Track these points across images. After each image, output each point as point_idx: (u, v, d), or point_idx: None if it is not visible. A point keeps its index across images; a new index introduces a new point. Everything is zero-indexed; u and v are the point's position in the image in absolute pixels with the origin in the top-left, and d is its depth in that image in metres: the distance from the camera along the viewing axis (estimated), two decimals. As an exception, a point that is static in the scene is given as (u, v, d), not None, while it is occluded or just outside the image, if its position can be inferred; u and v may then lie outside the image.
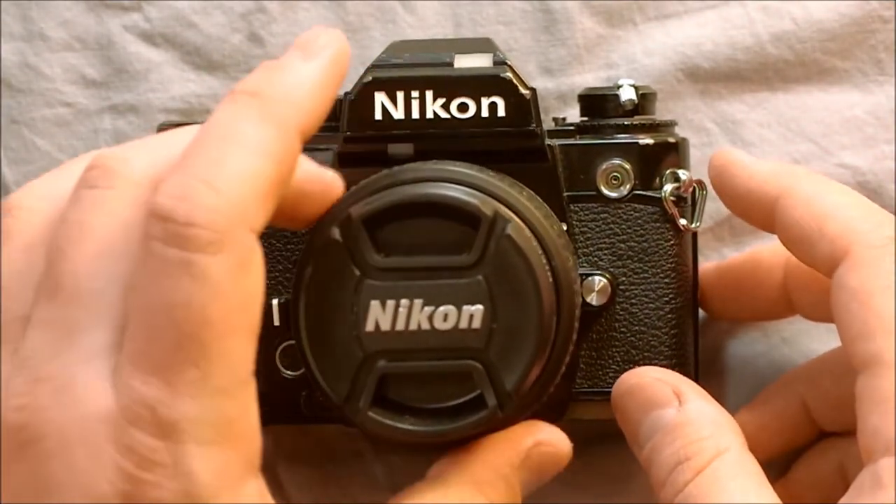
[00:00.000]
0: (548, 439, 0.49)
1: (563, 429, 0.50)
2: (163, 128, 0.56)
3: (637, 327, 0.53)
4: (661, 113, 0.57)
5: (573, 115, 0.57)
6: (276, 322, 0.51)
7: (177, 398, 0.39)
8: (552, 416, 0.52)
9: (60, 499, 0.39)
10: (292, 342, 0.48)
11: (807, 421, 0.56)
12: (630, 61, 0.62)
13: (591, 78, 0.62)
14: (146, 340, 0.39)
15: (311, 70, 0.44)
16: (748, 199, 0.51)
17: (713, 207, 0.60)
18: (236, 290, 0.39)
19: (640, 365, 0.53)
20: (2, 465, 0.40)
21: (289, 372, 0.53)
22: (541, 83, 0.61)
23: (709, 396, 0.49)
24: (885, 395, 0.44)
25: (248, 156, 0.40)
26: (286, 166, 0.42)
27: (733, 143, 0.61)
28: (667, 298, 0.53)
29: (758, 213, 0.51)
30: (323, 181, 0.46)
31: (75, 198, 0.42)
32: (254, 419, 0.41)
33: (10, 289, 0.42)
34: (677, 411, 0.48)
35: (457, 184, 0.47)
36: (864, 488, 0.43)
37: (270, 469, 0.60)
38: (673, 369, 0.53)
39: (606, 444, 0.59)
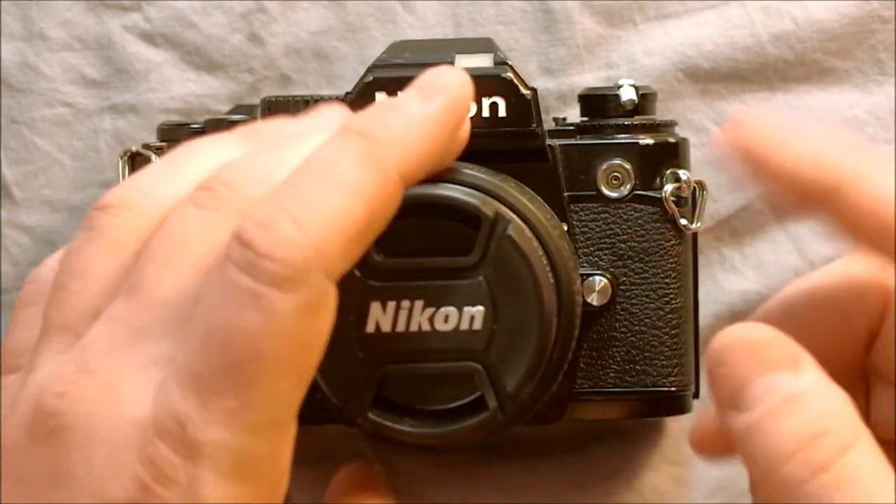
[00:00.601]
0: None
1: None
2: (163, 128, 0.56)
3: (637, 327, 0.53)
4: (661, 113, 0.57)
5: (573, 115, 0.57)
6: None
7: (208, 422, 0.38)
8: (552, 416, 0.52)
9: (71, 494, 0.39)
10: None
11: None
12: (630, 61, 0.61)
13: (591, 78, 0.61)
14: (196, 357, 0.39)
15: (425, 112, 0.43)
16: (794, 181, 0.43)
17: (713, 208, 0.60)
18: (298, 332, 0.39)
19: (640, 365, 0.53)
20: (25, 446, 0.40)
21: (289, 372, 0.53)
22: (541, 83, 0.61)
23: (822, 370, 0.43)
24: None
25: (341, 197, 0.40)
26: (380, 210, 0.41)
27: (733, 142, 0.61)
28: (667, 298, 0.53)
29: (805, 197, 0.43)
30: None
31: (180, 212, 0.42)
32: (284, 462, 0.40)
33: (90, 284, 0.42)
34: (797, 378, 0.42)
35: (457, 184, 0.47)
36: None
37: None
38: (673, 370, 0.53)
39: (606, 444, 0.59)
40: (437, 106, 0.43)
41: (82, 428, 0.39)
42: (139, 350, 0.40)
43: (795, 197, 0.44)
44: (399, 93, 0.49)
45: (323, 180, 0.40)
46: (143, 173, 0.46)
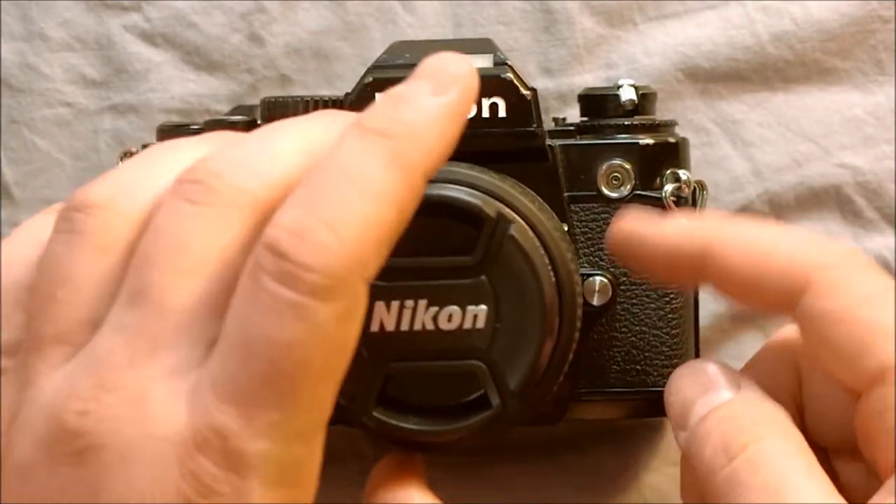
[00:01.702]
0: None
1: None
2: (162, 129, 0.56)
3: (638, 327, 0.53)
4: (661, 113, 0.57)
5: (573, 115, 0.57)
6: None
7: (252, 434, 0.37)
8: (554, 416, 0.52)
9: None
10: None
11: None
12: (630, 61, 0.62)
13: (591, 78, 0.62)
14: (235, 370, 0.38)
15: (441, 107, 0.41)
16: (670, 255, 0.46)
17: (713, 208, 0.60)
18: (338, 338, 0.38)
19: (641, 365, 0.53)
20: (47, 466, 0.39)
21: (290, 372, 0.53)
22: (541, 83, 0.61)
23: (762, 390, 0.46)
24: None
25: (373, 202, 0.39)
26: (408, 213, 0.40)
27: (733, 143, 0.61)
28: (667, 298, 0.53)
29: (681, 268, 0.46)
30: None
31: (172, 209, 0.40)
32: (318, 463, 0.40)
33: (82, 291, 0.41)
34: (730, 393, 0.45)
35: (460, 185, 0.47)
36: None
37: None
38: (673, 369, 0.53)
39: (606, 444, 0.59)
40: (452, 98, 0.41)
41: (114, 447, 0.38)
42: (160, 361, 0.39)
43: (674, 270, 0.46)
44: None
45: (352, 185, 0.39)
46: (119, 171, 0.43)
